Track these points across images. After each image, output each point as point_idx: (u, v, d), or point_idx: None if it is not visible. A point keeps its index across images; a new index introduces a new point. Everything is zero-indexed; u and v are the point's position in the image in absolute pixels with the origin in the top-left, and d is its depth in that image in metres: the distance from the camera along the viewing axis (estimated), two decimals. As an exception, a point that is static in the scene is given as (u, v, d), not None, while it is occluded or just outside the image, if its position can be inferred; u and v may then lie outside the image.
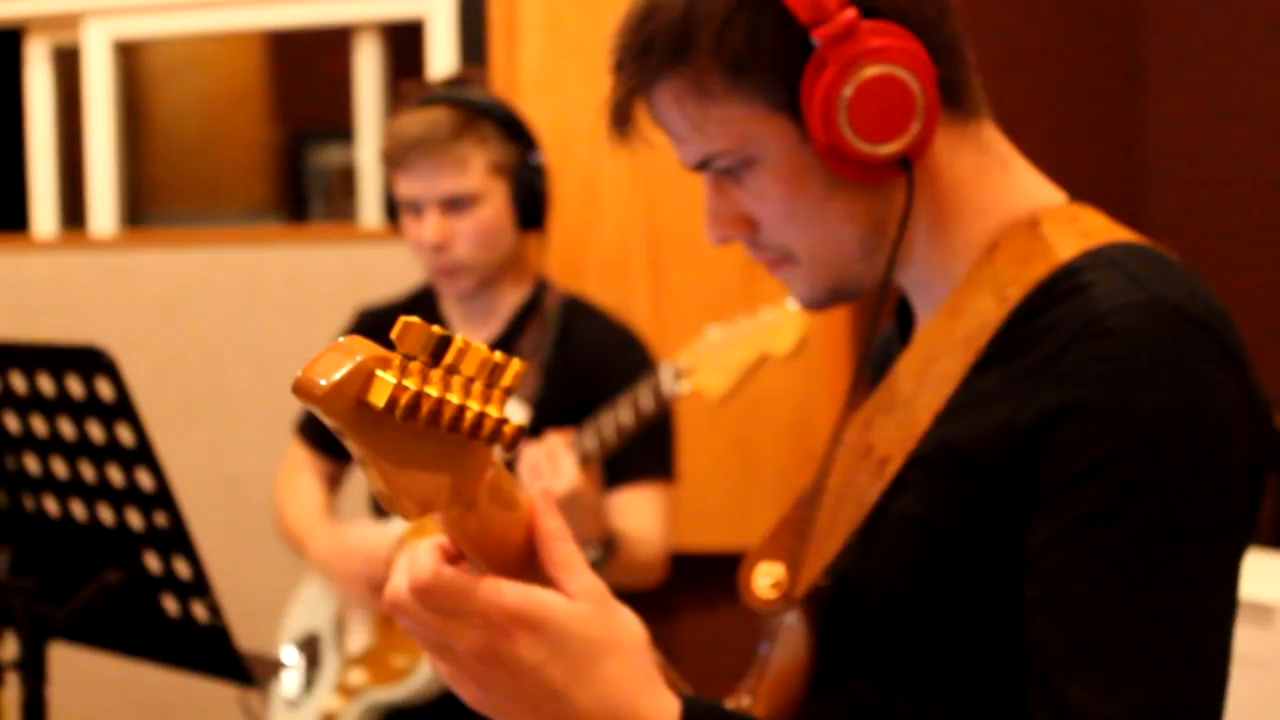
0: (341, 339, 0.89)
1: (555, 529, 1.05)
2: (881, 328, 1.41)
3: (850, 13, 1.17)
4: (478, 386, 0.91)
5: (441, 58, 3.48)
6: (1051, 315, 1.16)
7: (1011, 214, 1.26)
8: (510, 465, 2.45)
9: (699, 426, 2.93)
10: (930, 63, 1.20)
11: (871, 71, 1.18)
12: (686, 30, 1.20)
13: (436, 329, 0.88)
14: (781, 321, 2.22)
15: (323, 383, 0.87)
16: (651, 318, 3.15)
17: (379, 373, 0.87)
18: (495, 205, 2.54)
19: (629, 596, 2.85)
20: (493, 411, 0.91)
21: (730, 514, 3.18)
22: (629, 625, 1.07)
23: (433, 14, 3.51)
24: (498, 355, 0.91)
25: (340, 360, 0.87)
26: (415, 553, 1.02)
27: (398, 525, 2.55)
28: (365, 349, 0.88)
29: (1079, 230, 1.23)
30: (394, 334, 0.87)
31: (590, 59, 3.47)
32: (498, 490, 1.00)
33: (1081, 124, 3.43)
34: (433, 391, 0.88)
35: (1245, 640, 2.36)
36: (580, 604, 1.03)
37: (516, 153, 2.55)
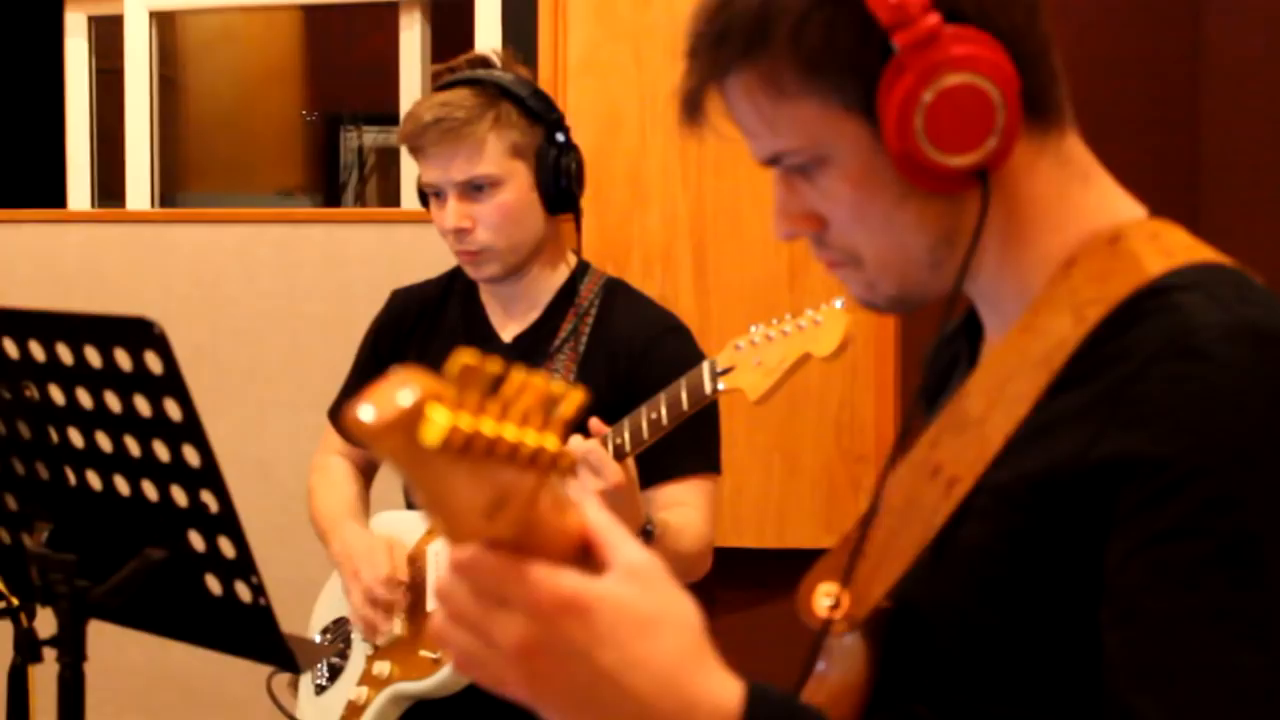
0: (398, 372, 0.87)
1: (605, 519, 1.02)
2: (943, 332, 1.37)
3: (933, 18, 1.13)
4: (535, 419, 0.90)
5: (488, 38, 3.43)
6: (1132, 336, 1.13)
7: (1090, 229, 1.22)
8: None
9: (741, 424, 2.89)
10: (1014, 73, 1.16)
11: (952, 80, 1.14)
12: (763, 23, 1.17)
13: (493, 365, 0.87)
14: (825, 321, 2.16)
15: (375, 418, 0.85)
16: (695, 308, 3.11)
17: (432, 410, 0.86)
18: (517, 188, 2.49)
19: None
20: (549, 445, 0.90)
21: (771, 512, 3.14)
22: (682, 602, 1.02)
23: (480, -7, 3.47)
24: (556, 387, 0.90)
25: (394, 395, 0.85)
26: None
27: (420, 530, 2.55)
28: (420, 384, 0.86)
29: (1161, 248, 1.19)
30: (449, 370, 0.86)
31: (639, 44, 3.45)
32: (552, 497, 0.98)
33: (1137, 139, 3.39)
34: (487, 429, 0.87)
35: None
36: (629, 582, 0.99)
37: (539, 134, 2.50)
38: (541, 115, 2.51)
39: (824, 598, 1.24)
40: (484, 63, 2.56)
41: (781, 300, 3.01)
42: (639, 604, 0.98)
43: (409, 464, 0.87)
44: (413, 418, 0.85)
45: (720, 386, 2.22)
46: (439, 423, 0.85)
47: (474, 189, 2.48)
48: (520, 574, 0.95)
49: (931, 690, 1.21)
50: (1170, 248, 1.19)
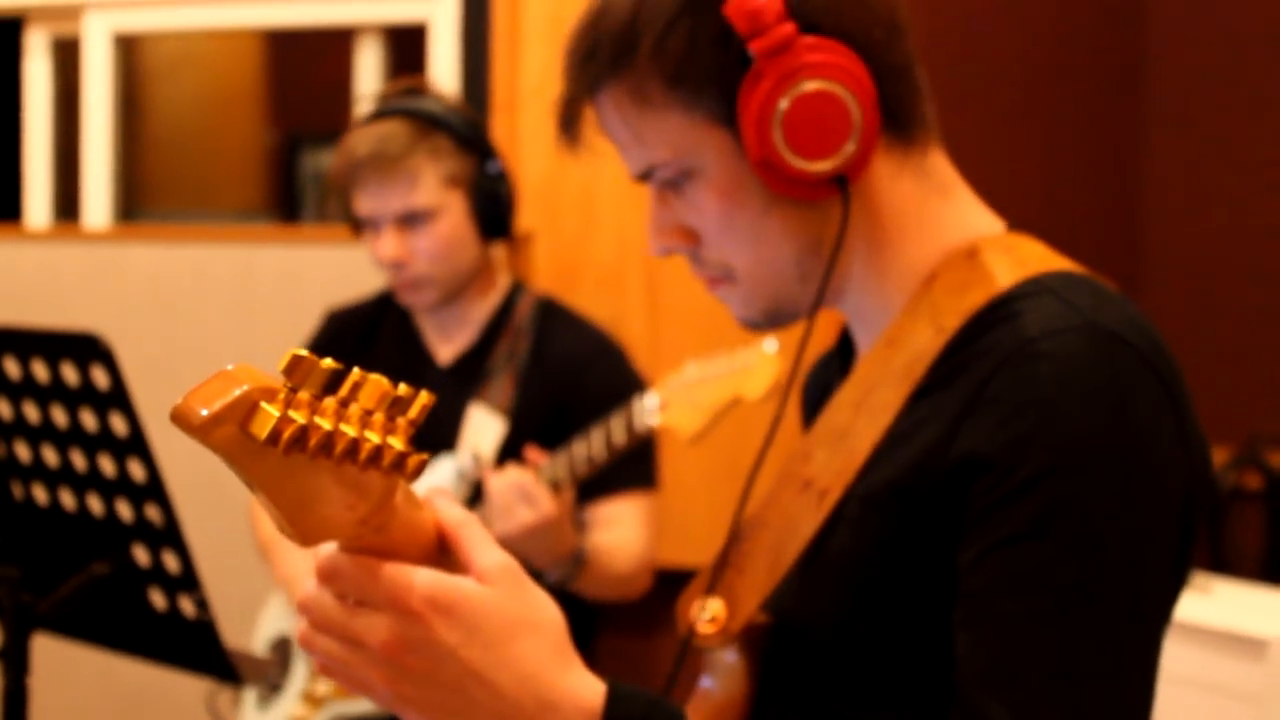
0: (230, 367, 0.86)
1: (460, 515, 1.03)
2: (812, 355, 1.40)
3: (789, 27, 1.17)
4: (378, 418, 0.89)
5: (444, 62, 3.46)
6: (985, 341, 1.16)
7: (950, 243, 1.26)
8: (478, 493, 2.42)
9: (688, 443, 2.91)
10: (871, 84, 1.19)
11: (808, 87, 1.17)
12: (629, 38, 1.20)
13: (328, 362, 0.86)
14: (756, 365, 2.20)
15: (203, 412, 0.83)
16: (646, 332, 3.13)
17: (263, 404, 0.84)
18: (453, 218, 2.51)
19: (613, 609, 2.80)
20: (394, 443, 0.89)
21: (718, 531, 3.15)
22: (545, 605, 1.04)
23: (436, 17, 3.50)
24: (401, 388, 0.89)
25: (223, 389, 0.84)
26: (317, 549, 0.98)
27: None
28: (251, 379, 0.85)
29: (1016, 259, 1.23)
30: (281, 366, 0.85)
31: (593, 70, 3.48)
32: (405, 500, 0.99)
33: (1078, 167, 3.43)
34: (323, 423, 0.86)
35: (1237, 674, 2.36)
36: (493, 586, 1.01)
37: (473, 163, 2.52)
38: (474, 144, 2.53)
39: (701, 612, 1.26)
40: (414, 93, 2.58)
41: (732, 325, 3.02)
42: (503, 605, 1.00)
43: (241, 460, 0.86)
44: (241, 411, 0.84)
45: (655, 423, 2.26)
46: (269, 415, 0.84)
47: (409, 221, 2.50)
48: (384, 574, 0.97)
49: (809, 700, 1.23)
50: (1024, 259, 1.23)
